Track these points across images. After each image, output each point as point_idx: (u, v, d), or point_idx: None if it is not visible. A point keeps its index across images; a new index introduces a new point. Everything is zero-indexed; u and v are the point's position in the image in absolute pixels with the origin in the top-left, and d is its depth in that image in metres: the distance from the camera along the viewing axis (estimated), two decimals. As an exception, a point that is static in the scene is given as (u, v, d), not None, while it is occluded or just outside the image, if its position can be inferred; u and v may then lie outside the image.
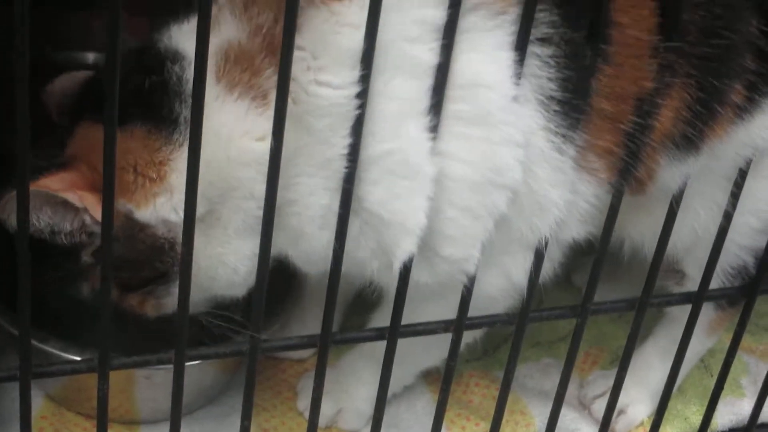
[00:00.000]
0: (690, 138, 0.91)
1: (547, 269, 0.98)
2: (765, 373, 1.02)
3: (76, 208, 0.85)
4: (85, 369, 0.75)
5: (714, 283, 1.02)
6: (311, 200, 0.86)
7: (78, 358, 1.00)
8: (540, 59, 0.82)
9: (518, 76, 0.79)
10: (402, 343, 0.81)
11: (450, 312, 0.83)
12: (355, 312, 1.26)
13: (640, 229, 1.04)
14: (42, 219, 0.86)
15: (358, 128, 0.69)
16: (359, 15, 0.77)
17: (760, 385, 1.02)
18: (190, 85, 0.83)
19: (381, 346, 0.81)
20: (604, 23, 0.81)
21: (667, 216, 0.86)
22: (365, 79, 0.66)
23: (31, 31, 0.56)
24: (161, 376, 1.05)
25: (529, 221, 0.89)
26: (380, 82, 0.77)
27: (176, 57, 0.85)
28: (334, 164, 0.83)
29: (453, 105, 0.79)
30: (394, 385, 1.13)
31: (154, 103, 0.85)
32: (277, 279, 1.14)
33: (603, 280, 1.11)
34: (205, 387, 1.14)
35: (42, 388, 1.14)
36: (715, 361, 1.26)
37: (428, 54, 0.78)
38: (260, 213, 0.76)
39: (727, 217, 0.91)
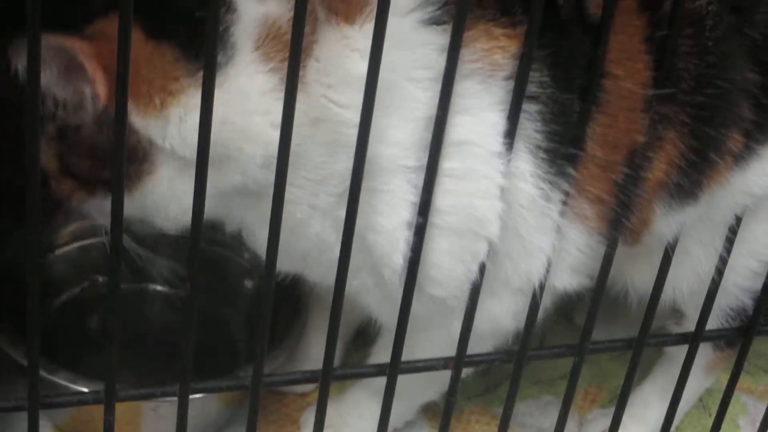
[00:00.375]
0: (687, 187, 0.92)
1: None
2: (763, 413, 1.03)
3: (83, 78, 0.83)
4: (91, 400, 0.76)
5: (713, 324, 1.03)
6: (289, 207, 0.86)
7: (85, 390, 1.02)
8: (528, 113, 0.84)
9: (504, 135, 0.82)
10: (402, 378, 0.82)
11: (446, 343, 0.85)
12: (357, 346, 1.27)
13: (642, 278, 1.05)
14: (44, 73, 0.83)
15: (360, 156, 0.70)
16: (368, 43, 0.80)
17: (758, 425, 1.03)
18: (232, 39, 0.83)
19: (382, 380, 0.83)
20: (599, 73, 0.83)
21: (662, 262, 0.86)
22: (367, 112, 0.67)
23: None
24: (167, 408, 1.06)
25: (516, 265, 0.91)
26: (378, 122, 0.78)
27: (231, 8, 0.84)
28: (329, 182, 0.85)
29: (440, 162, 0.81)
30: (395, 420, 1.14)
31: (196, 37, 0.83)
32: (283, 311, 1.17)
33: (605, 318, 1.12)
34: (210, 420, 1.16)
35: (50, 419, 1.15)
36: (714, 400, 1.27)
37: (427, 101, 0.81)
38: (238, 186, 0.82)
39: (723, 261, 0.92)
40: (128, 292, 1.25)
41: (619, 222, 0.88)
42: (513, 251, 0.90)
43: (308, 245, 0.91)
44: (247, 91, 0.83)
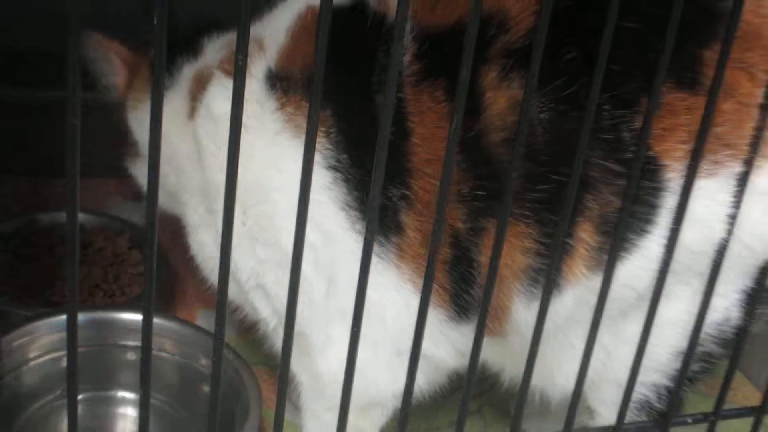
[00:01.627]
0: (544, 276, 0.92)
1: (420, 380, 1.07)
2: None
3: (111, 68, 1.18)
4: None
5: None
6: (185, 210, 1.13)
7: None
8: (331, 179, 0.97)
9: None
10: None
11: (316, 389, 1.06)
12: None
13: (541, 373, 1.04)
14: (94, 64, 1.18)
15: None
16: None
17: None
18: (180, 71, 1.12)
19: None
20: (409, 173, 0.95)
21: (529, 355, 0.86)
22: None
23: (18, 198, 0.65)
24: None
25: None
26: (222, 153, 1.01)
27: (199, 53, 1.13)
28: (200, 194, 1.10)
29: (253, 208, 1.00)
30: None
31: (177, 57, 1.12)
32: (238, 414, 1.22)
33: (539, 414, 1.17)
34: None
35: None
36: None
37: (247, 143, 0.91)
38: None
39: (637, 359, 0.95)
40: (96, 398, 1.31)
41: (461, 298, 0.96)
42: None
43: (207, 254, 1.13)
44: (170, 108, 1.04)
